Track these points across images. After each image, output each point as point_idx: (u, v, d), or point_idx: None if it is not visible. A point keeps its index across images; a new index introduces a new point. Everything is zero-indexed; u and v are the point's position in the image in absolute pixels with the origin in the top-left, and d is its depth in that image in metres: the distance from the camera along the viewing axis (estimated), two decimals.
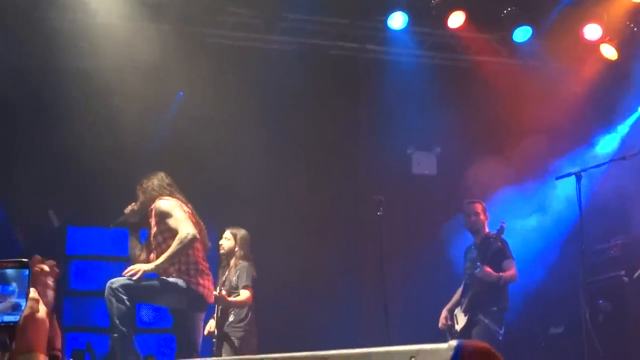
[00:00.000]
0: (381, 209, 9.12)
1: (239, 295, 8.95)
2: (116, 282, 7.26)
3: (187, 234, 7.31)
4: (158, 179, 7.83)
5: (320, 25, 11.77)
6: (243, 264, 9.13)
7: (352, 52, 12.16)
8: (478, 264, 8.74)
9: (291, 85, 11.39)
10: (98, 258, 11.95)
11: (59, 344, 2.87)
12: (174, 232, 7.42)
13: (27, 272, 2.53)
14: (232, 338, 8.96)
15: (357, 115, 12.39)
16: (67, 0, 10.56)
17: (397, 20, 11.36)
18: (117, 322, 7.14)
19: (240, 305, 9.02)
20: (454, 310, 9.06)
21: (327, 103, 11.87)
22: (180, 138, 11.25)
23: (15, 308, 2.49)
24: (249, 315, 9.13)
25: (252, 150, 11.31)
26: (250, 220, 9.99)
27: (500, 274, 8.73)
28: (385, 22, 11.46)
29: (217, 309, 9.05)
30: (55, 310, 2.86)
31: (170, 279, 7.42)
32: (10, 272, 2.51)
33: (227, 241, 9.30)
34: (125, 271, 7.42)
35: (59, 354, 2.87)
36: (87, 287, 12.04)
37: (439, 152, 12.58)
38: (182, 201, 7.66)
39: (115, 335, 7.15)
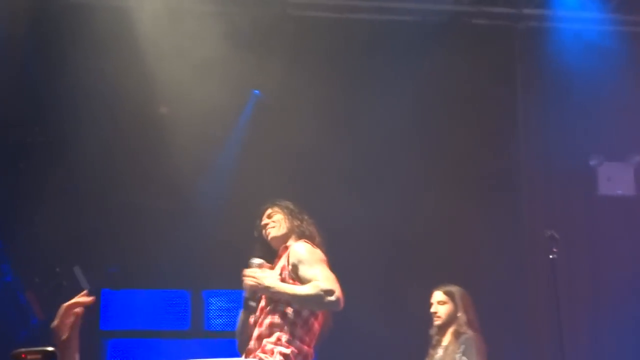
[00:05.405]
0: (555, 249, 7.38)
1: None
2: None
3: None
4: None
5: None
6: (469, 334, 7.54)
7: (503, 21, 10.54)
8: None
9: (420, 69, 9.78)
10: (143, 335, 10.48)
11: None
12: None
13: None
14: None
15: (514, 110, 10.53)
16: None
17: None
18: None
19: None
20: None
21: (469, 93, 10.16)
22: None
23: None
24: None
25: (367, 167, 9.89)
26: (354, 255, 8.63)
27: None
28: None
29: None
30: None
31: None
32: None
33: (442, 306, 7.72)
34: None
35: None
36: None
37: (638, 162, 10.70)
38: None
39: None
